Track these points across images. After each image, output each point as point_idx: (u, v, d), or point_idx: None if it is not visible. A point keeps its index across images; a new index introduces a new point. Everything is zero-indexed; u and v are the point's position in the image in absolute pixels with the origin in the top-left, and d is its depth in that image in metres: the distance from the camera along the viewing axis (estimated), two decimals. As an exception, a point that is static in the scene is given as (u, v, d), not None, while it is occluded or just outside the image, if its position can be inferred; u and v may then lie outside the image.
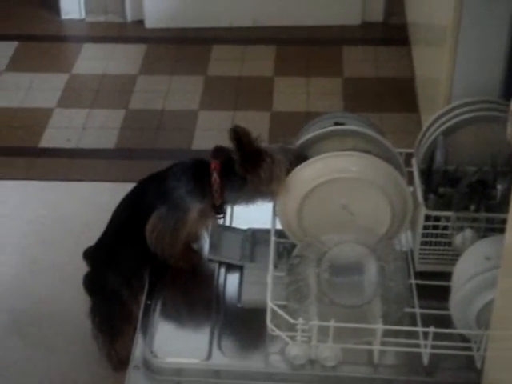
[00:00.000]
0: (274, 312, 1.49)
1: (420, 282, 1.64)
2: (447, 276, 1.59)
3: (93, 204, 2.31)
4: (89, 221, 2.24)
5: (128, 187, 2.33)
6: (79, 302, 1.82)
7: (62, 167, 2.46)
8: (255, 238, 1.79)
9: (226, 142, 2.52)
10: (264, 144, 1.64)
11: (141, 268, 1.70)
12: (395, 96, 2.73)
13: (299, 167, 1.61)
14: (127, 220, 1.69)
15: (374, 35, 3.07)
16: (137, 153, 2.52)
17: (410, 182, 1.71)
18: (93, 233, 2.18)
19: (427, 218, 1.61)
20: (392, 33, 3.06)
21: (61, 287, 2.05)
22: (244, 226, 1.82)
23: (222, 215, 1.71)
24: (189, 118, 2.66)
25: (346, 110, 2.64)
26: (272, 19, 3.12)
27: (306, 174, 1.61)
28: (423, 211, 1.61)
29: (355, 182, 1.60)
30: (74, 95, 2.80)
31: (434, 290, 1.63)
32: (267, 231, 1.72)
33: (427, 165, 1.72)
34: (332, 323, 1.45)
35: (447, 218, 1.61)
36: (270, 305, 1.49)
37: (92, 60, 3.00)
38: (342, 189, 1.61)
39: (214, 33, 3.11)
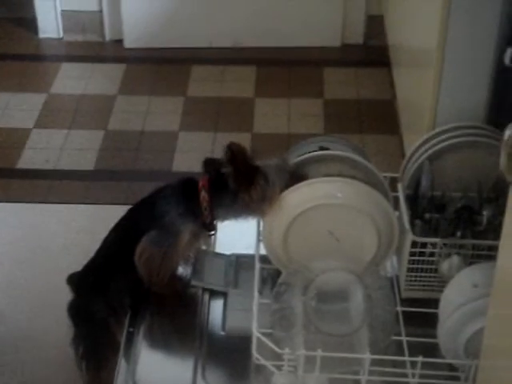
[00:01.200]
0: (259, 340, 1.47)
1: (406, 309, 1.63)
2: (433, 303, 1.58)
3: (71, 227, 2.27)
4: (68, 244, 2.21)
5: (107, 210, 2.32)
6: (57, 327, 1.78)
7: (40, 189, 2.43)
8: (239, 263, 1.76)
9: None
10: (260, 162, 1.61)
11: (129, 297, 1.66)
12: (376, 118, 2.73)
13: (285, 193, 1.58)
14: (118, 248, 1.65)
15: (354, 57, 3.07)
16: (116, 174, 2.49)
17: (395, 206, 1.70)
18: (72, 256, 2.15)
19: (414, 244, 1.60)
20: (372, 55, 3.07)
21: (38, 312, 2.02)
22: (227, 251, 1.79)
23: (212, 232, 1.68)
24: (169, 139, 2.64)
25: (327, 132, 2.64)
26: (252, 40, 3.11)
27: (292, 200, 1.59)
28: (410, 237, 1.59)
29: (341, 209, 1.58)
30: (52, 116, 2.76)
31: (420, 316, 1.61)
32: (251, 256, 1.69)
33: (413, 190, 1.71)
34: (319, 353, 1.42)
35: (433, 245, 1.60)
36: (255, 334, 1.46)
37: (70, 80, 2.97)
38: (327, 215, 1.59)
39: (193, 53, 3.09)
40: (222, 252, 1.78)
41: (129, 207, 2.30)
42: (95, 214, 2.30)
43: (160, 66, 3.04)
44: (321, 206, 1.58)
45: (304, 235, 1.61)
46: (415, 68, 2.38)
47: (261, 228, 1.68)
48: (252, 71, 2.98)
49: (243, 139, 2.61)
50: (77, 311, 1.69)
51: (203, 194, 1.60)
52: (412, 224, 1.62)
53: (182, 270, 1.71)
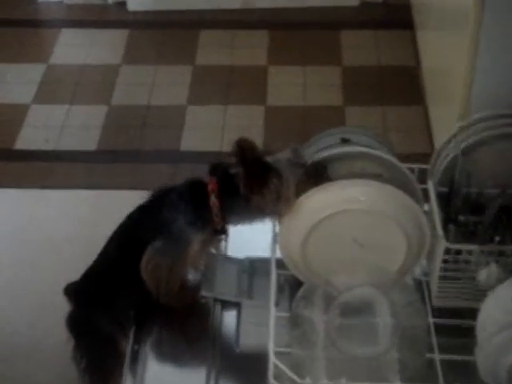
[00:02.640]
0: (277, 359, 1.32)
1: (438, 320, 1.47)
2: (468, 312, 1.44)
3: (73, 215, 2.12)
4: (69, 235, 2.06)
5: (111, 195, 2.17)
6: (58, 331, 1.63)
7: (39, 172, 2.27)
8: (253, 268, 1.61)
9: (217, 141, 2.36)
10: (271, 157, 1.44)
11: (135, 308, 1.52)
12: (398, 86, 2.53)
13: (303, 196, 1.42)
14: (120, 257, 1.51)
15: (373, 17, 2.85)
16: (120, 155, 2.32)
17: (425, 200, 1.54)
18: (74, 249, 2.01)
19: (447, 251, 1.43)
20: (394, 14, 2.84)
21: (38, 314, 1.88)
22: (240, 254, 1.63)
23: (224, 236, 1.52)
24: (176, 113, 2.47)
25: (346, 104, 2.46)
26: (263, 0, 2.90)
27: (311, 205, 1.43)
28: (443, 244, 1.43)
29: (365, 214, 1.42)
30: (52, 89, 2.59)
31: (454, 327, 1.47)
32: (266, 260, 1.55)
33: (445, 186, 1.54)
34: (343, 382, 1.28)
35: (469, 251, 1.44)
36: (272, 359, 1.32)
37: (71, 47, 2.78)
38: (350, 220, 1.43)
39: (201, 16, 2.89)
40: (234, 255, 1.63)
41: (133, 192, 2.17)
42: (98, 201, 2.16)
43: (166, 31, 2.84)
44: (343, 211, 1.42)
45: (325, 242, 1.45)
46: (445, 31, 2.14)
47: (277, 230, 1.53)
48: (264, 35, 2.78)
49: (256, 113, 2.45)
50: (77, 323, 1.56)
51: (213, 199, 1.45)
52: (445, 228, 1.46)
53: (192, 278, 1.56)
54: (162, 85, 2.58)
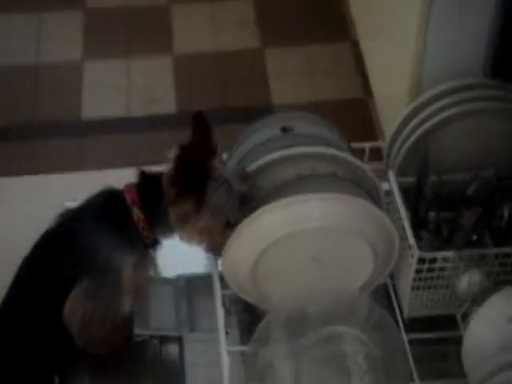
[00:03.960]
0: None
1: (414, 336, 1.30)
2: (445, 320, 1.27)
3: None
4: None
5: (3, 184, 1.85)
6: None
7: None
8: (191, 288, 1.37)
9: (123, 104, 2.05)
10: (217, 167, 1.18)
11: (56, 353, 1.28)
12: (321, 17, 2.24)
13: (247, 220, 1.18)
14: (31, 297, 1.24)
15: None
16: (10, 132, 1.98)
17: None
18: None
19: (421, 260, 1.23)
20: None
21: None
22: (173, 273, 1.39)
23: (157, 247, 1.27)
24: (71, 72, 2.11)
25: (266, 45, 2.16)
26: None
27: (260, 227, 1.19)
28: (416, 253, 1.22)
29: (323, 231, 1.19)
30: None
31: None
32: (204, 277, 1.32)
33: (406, 178, 1.32)
34: None
35: (446, 258, 1.24)
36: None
37: None
38: (306, 239, 1.21)
39: None
40: (166, 275, 1.38)
41: (30, 178, 1.86)
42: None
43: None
44: (296, 232, 1.18)
45: (279, 266, 1.23)
46: None
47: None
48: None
49: (164, 65, 2.13)
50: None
51: (136, 212, 1.21)
52: (416, 234, 1.25)
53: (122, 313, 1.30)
54: (50, 37, 2.21)
